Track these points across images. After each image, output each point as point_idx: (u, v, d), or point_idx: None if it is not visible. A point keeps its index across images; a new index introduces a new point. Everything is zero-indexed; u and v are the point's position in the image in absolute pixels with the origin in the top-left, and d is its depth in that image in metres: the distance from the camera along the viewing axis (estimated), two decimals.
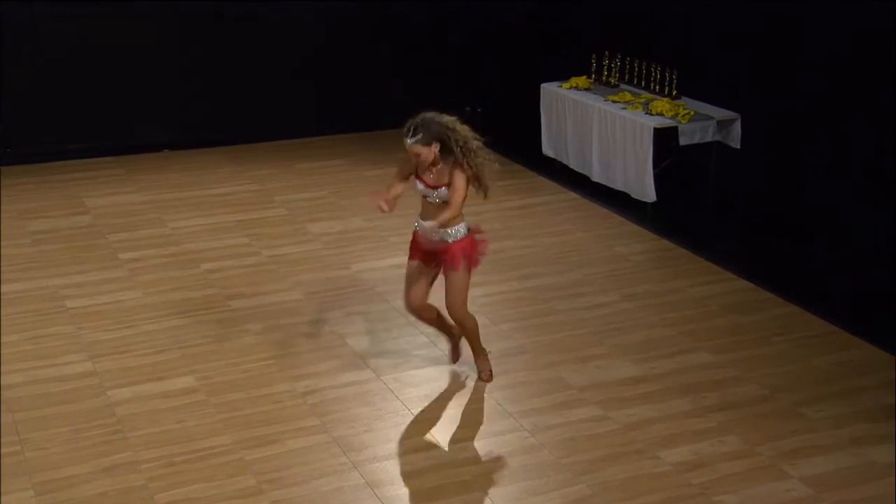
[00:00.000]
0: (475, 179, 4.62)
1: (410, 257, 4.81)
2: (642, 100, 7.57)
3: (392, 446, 4.35)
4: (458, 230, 4.65)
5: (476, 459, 4.28)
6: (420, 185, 4.66)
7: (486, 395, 4.79)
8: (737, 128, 7.24)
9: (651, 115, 7.27)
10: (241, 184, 7.81)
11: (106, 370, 4.92)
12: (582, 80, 8.10)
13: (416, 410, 4.64)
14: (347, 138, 8.92)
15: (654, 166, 7.16)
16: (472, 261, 4.71)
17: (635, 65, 7.95)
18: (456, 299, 4.70)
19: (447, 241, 4.64)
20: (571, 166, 8.01)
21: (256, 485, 4.04)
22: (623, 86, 8.02)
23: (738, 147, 7.21)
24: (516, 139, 8.72)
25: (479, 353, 4.94)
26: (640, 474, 4.17)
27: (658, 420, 4.57)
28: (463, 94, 9.61)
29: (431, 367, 5.05)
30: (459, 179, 4.55)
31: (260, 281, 6.06)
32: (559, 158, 8.20)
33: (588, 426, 4.52)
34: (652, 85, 7.76)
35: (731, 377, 4.96)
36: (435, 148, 4.54)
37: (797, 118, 6.73)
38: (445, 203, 4.59)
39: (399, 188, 4.74)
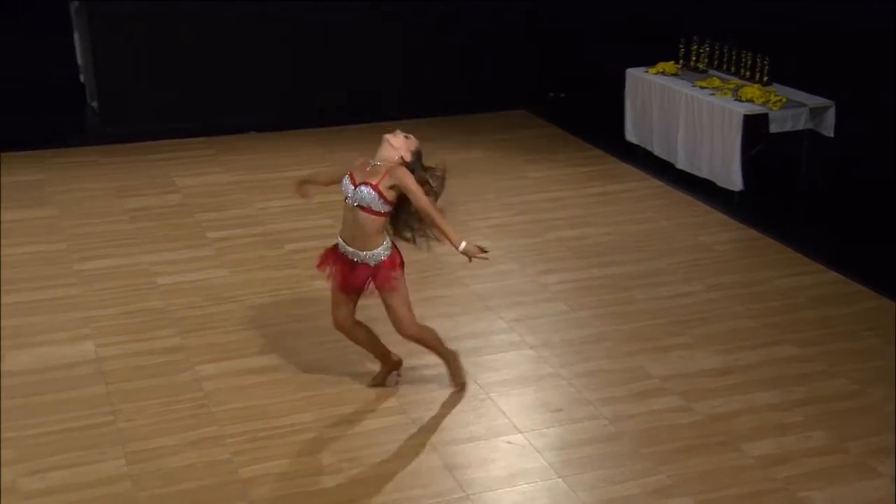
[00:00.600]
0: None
1: (323, 268, 4.36)
2: (732, 86, 7.39)
3: (470, 429, 4.36)
4: (378, 252, 4.19)
5: (553, 445, 4.26)
6: (345, 181, 4.17)
7: (564, 381, 4.76)
8: (830, 116, 7.02)
9: (741, 101, 7.10)
10: (325, 165, 7.88)
11: (194, 346, 5.03)
12: (669, 66, 7.95)
13: (494, 394, 4.64)
14: (430, 122, 8.93)
15: (743, 154, 6.99)
16: (399, 271, 4.28)
17: (725, 50, 7.77)
18: (403, 318, 4.29)
19: (368, 265, 4.20)
20: (656, 153, 7.88)
21: (336, 463, 4.09)
22: (712, 71, 7.84)
23: (832, 136, 6.99)
24: (599, 125, 8.63)
25: (448, 358, 4.59)
26: (722, 467, 4.10)
27: (742, 412, 4.47)
28: (547, 79, 9.55)
29: (510, 351, 5.04)
30: (409, 179, 4.06)
31: None
32: (643, 145, 8.07)
33: (669, 416, 4.45)
34: (742, 71, 7.58)
35: (818, 371, 4.83)
36: (406, 157, 4.17)
37: (894, 106, 6.49)
38: (368, 211, 4.09)
39: (320, 182, 4.62)
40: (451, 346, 5.04)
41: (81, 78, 8.62)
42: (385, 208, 4.17)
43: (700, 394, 4.63)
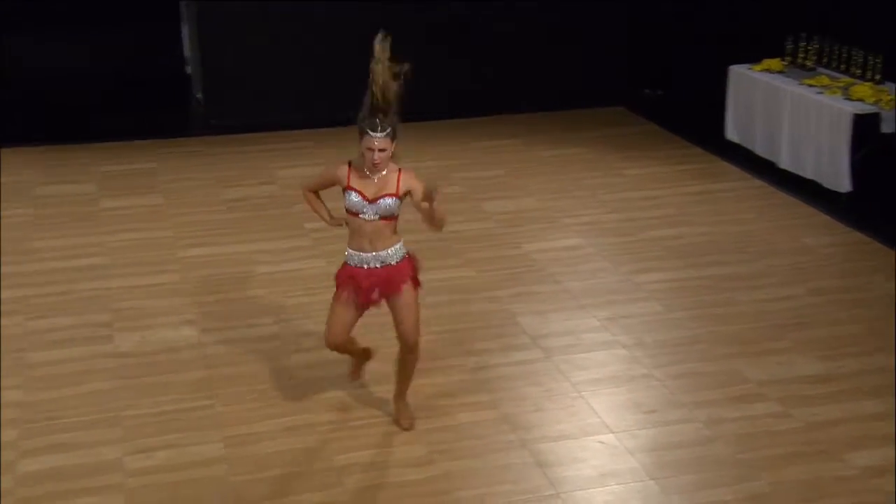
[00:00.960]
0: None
1: (342, 291, 4.15)
2: (841, 84, 7.16)
3: (561, 427, 4.34)
4: (398, 249, 4.11)
5: (646, 447, 4.20)
6: (354, 198, 3.97)
7: (657, 383, 4.69)
8: None
9: (850, 100, 6.87)
10: (421, 160, 7.92)
11: (290, 333, 5.13)
12: (775, 63, 7.74)
13: (586, 393, 4.60)
14: (524, 118, 8.91)
15: (851, 154, 6.76)
16: (415, 280, 4.17)
17: (835, 48, 7.52)
18: (414, 322, 4.15)
19: (390, 264, 4.09)
20: (757, 152, 7.69)
21: (427, 454, 4.12)
22: (820, 69, 7.60)
23: None
24: (698, 123, 8.46)
25: (404, 394, 4.35)
26: (824, 476, 3.98)
27: (844, 421, 4.33)
28: (643, 74, 9.41)
29: (602, 350, 4.99)
30: (417, 182, 3.98)
31: (435, 256, 6.12)
32: (744, 144, 7.88)
33: (767, 422, 4.34)
34: (852, 69, 7.32)
35: None
36: (394, 147, 3.98)
37: None
38: (387, 219, 3.99)
39: (318, 193, 4.20)
40: (543, 343, 5.04)
41: (188, 70, 8.88)
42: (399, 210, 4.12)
43: (799, 400, 4.50)
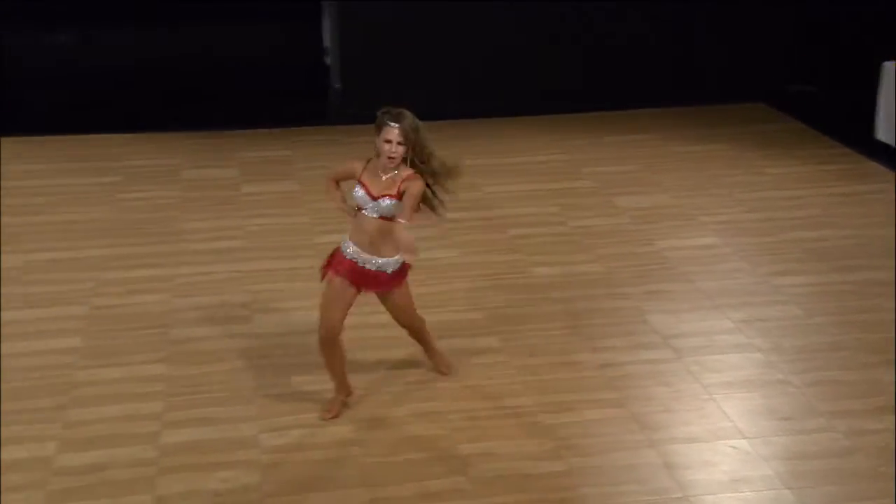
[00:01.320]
0: (426, 198, 4.13)
1: (336, 273, 4.17)
2: None
3: (691, 430, 4.25)
4: (398, 261, 4.15)
5: (780, 455, 4.07)
6: (359, 192, 4.08)
7: (794, 389, 4.53)
8: None
9: None
10: (552, 153, 7.91)
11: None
12: None
13: (718, 397, 4.49)
14: (659, 113, 8.74)
15: None
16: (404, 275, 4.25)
17: None
18: (408, 312, 4.36)
19: (385, 272, 4.16)
20: None
21: (554, 449, 4.11)
22: None
23: None
24: (845, 121, 8.11)
25: (434, 346, 4.60)
26: None
27: None
28: (786, 70, 9.08)
29: (736, 353, 4.85)
30: (417, 187, 4.04)
31: (565, 250, 6.12)
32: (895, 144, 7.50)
33: None
34: None
35: None
36: (408, 144, 4.03)
37: None
38: (385, 219, 4.04)
39: (338, 183, 4.24)
40: (673, 343, 4.94)
41: (327, 61, 9.09)
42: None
43: None
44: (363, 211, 4.10)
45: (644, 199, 6.88)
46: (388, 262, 4.16)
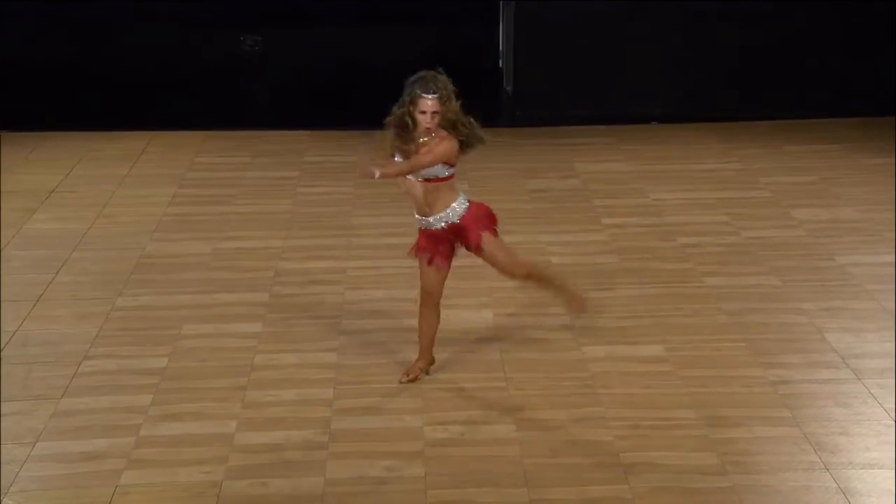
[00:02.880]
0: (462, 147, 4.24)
1: (417, 252, 4.43)
2: None
3: (871, 455, 4.02)
4: (456, 207, 4.30)
5: None
6: (398, 160, 4.24)
7: None
8: None
9: None
10: (726, 161, 7.69)
11: (582, 326, 5.14)
12: None
13: None
14: (842, 122, 8.33)
15: None
16: (490, 227, 4.36)
17: None
18: (508, 265, 4.45)
19: (454, 222, 4.30)
20: None
21: (720, 464, 3.99)
22: None
23: None
24: None
25: (564, 286, 4.69)
26: None
27: None
28: None
29: None
30: (444, 146, 4.14)
31: (737, 261, 5.94)
32: None
33: None
34: None
35: None
36: (442, 111, 4.12)
37: None
38: (434, 180, 4.21)
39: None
40: (853, 364, 4.70)
41: (500, 63, 9.17)
42: (448, 171, 4.27)
43: None
44: (409, 177, 4.26)
45: (824, 213, 6.58)
46: (447, 214, 4.30)
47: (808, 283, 5.60)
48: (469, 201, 4.38)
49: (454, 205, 4.31)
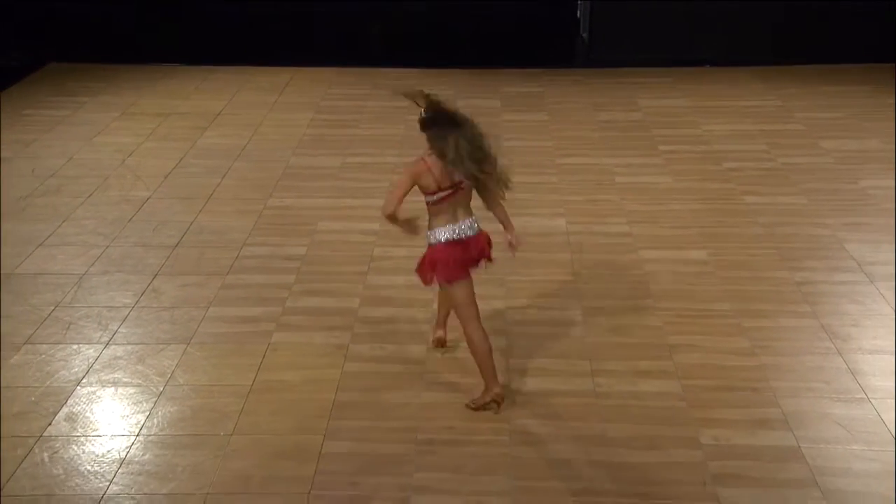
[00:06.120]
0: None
1: (462, 277, 3.44)
2: None
3: (877, 342, 3.91)
4: (475, 218, 3.45)
5: None
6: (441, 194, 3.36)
7: None
8: None
9: None
10: (766, 99, 7.31)
11: (639, 234, 5.07)
12: None
13: None
14: (870, 67, 7.78)
15: None
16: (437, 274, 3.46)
17: None
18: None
19: (480, 230, 3.46)
20: None
21: (750, 347, 3.93)
22: None
23: None
24: None
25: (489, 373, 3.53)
26: None
27: None
28: None
29: None
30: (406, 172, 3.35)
31: (772, 183, 5.71)
32: None
33: None
34: None
35: None
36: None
37: None
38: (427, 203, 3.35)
39: (402, 204, 3.33)
40: (868, 270, 4.51)
41: (578, 13, 8.83)
42: (428, 199, 3.45)
43: None
44: (444, 190, 3.39)
45: (852, 143, 6.23)
46: (474, 219, 3.49)
47: (832, 201, 5.36)
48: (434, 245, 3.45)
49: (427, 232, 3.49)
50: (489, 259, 3.58)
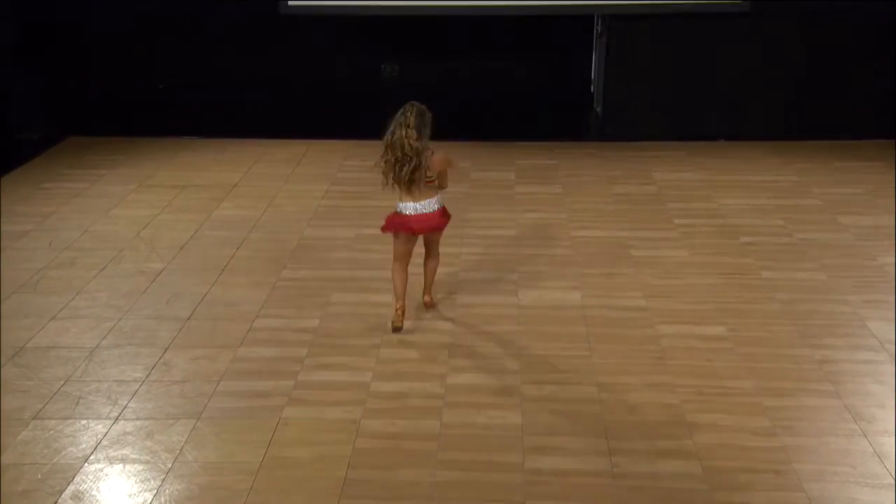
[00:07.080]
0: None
1: (400, 237, 4.79)
2: None
3: None
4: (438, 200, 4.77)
5: None
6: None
7: None
8: None
9: None
10: (782, 174, 7.39)
11: (655, 308, 5.07)
12: None
13: None
14: (884, 143, 7.87)
15: None
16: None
17: None
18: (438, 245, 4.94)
19: (439, 207, 4.77)
20: None
21: (771, 427, 3.88)
22: None
23: None
24: None
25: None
26: None
27: None
28: None
29: None
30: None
31: (790, 258, 5.71)
32: None
33: None
34: None
35: None
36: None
37: None
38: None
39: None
40: (890, 348, 4.46)
41: (592, 88, 9.03)
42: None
43: None
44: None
45: (868, 219, 6.26)
46: (438, 199, 4.81)
47: (852, 278, 5.35)
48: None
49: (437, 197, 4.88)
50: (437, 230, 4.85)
